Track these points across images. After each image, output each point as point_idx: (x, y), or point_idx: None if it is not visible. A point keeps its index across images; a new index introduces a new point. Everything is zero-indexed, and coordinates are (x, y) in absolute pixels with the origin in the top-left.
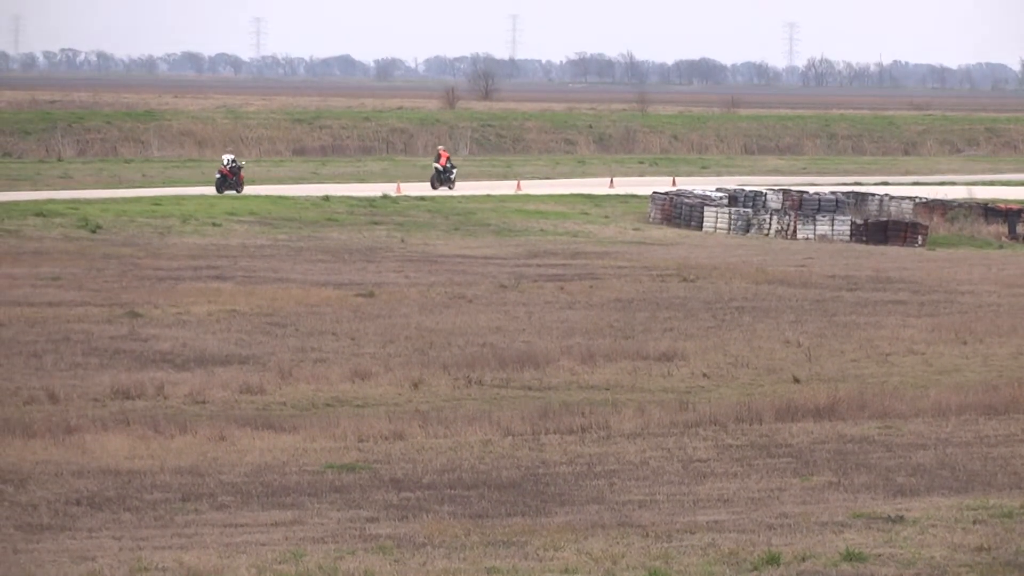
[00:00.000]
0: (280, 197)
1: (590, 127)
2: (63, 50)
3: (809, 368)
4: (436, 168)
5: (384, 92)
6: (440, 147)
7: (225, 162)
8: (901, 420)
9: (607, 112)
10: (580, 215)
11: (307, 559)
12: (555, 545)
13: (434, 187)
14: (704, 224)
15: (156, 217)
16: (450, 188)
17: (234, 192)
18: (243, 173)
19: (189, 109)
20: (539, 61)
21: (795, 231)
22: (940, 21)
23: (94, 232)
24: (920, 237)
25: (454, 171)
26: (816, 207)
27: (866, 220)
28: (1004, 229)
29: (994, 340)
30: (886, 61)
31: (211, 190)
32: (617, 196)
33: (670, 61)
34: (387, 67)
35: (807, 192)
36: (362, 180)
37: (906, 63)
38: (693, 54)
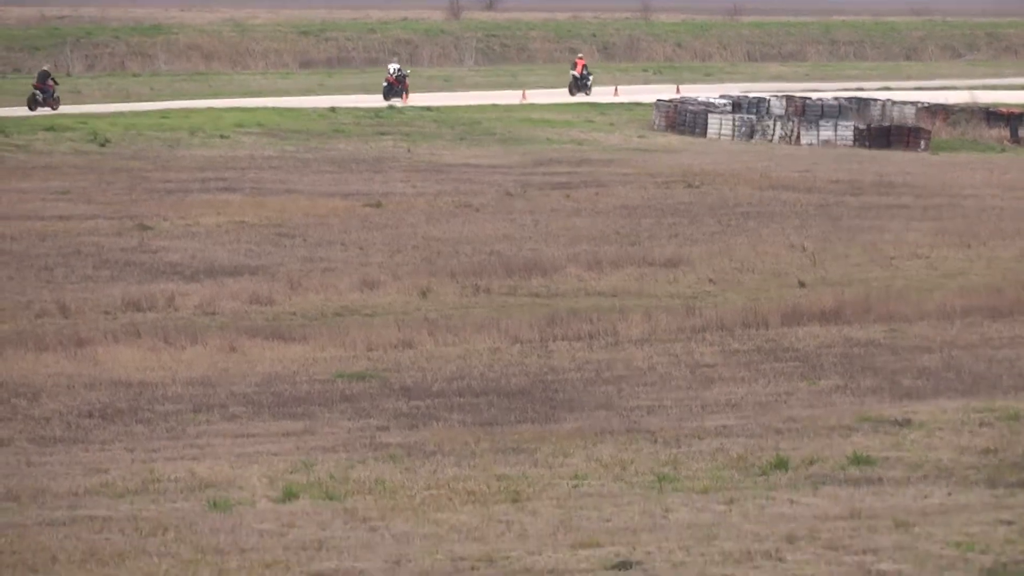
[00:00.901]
0: (287, 109)
1: (594, 36)
2: None
3: (814, 272)
4: (573, 75)
5: (389, 3)
6: (579, 55)
7: (391, 71)
8: (906, 323)
9: (611, 20)
10: (585, 123)
11: (318, 468)
12: (564, 452)
13: (572, 94)
14: (708, 131)
15: (164, 130)
16: (587, 94)
17: (398, 100)
18: (408, 81)
19: (196, 23)
20: None
21: (799, 137)
22: None
23: (103, 146)
24: (923, 141)
25: (591, 77)
26: (819, 113)
27: (869, 125)
28: (1006, 133)
29: (998, 243)
30: None
31: (219, 102)
32: (621, 104)
33: None
34: None
35: (810, 98)
36: (368, 91)
37: None
38: None
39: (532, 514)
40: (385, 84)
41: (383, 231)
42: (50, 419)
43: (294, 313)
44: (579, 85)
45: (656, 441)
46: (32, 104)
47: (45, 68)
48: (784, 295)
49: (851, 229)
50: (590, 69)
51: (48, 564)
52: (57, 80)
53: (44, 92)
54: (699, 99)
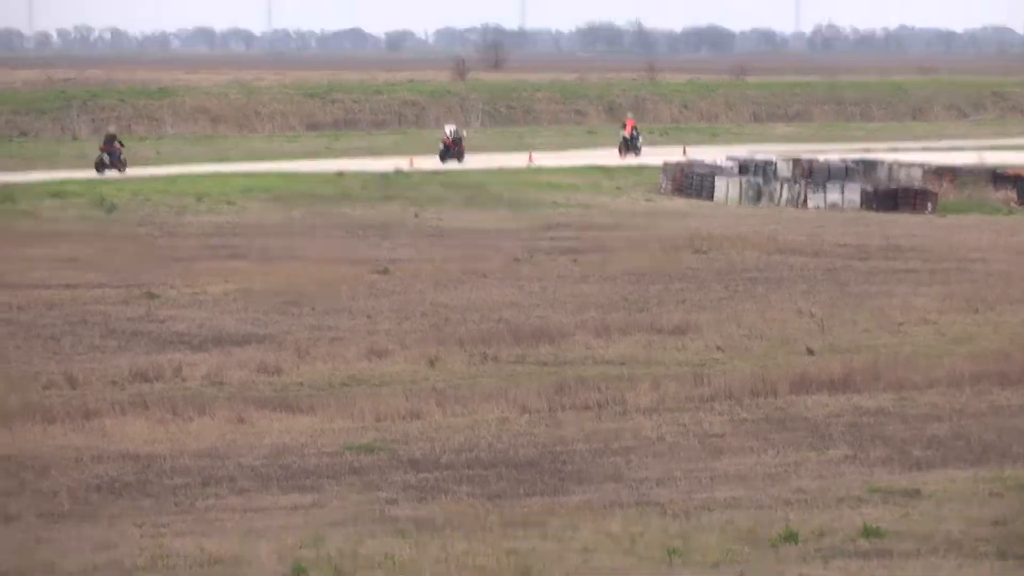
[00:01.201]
0: (294, 173)
1: (600, 97)
2: (76, 28)
3: (822, 339)
4: (624, 136)
5: (395, 64)
6: (628, 114)
7: (447, 132)
8: (916, 391)
9: (617, 81)
10: (592, 187)
11: (327, 543)
12: (573, 525)
13: (621, 155)
14: (715, 194)
15: (171, 196)
16: (636, 155)
17: (456, 162)
18: (464, 144)
19: (202, 85)
20: (549, 30)
21: (806, 200)
22: None
23: (110, 212)
24: (930, 204)
25: (640, 138)
26: (826, 175)
27: (876, 187)
28: (1013, 195)
29: (1006, 308)
30: (892, 25)
31: (226, 166)
32: (628, 167)
33: (678, 28)
34: (397, 39)
35: (817, 160)
36: (375, 154)
37: (912, 27)
38: (701, 21)
39: None
40: (442, 146)
41: (391, 298)
42: (58, 493)
43: (302, 383)
44: (629, 146)
45: (666, 514)
46: (100, 167)
47: (111, 130)
48: (792, 362)
49: (859, 294)
50: (639, 130)
51: None
52: (123, 143)
53: (111, 154)
54: (706, 162)
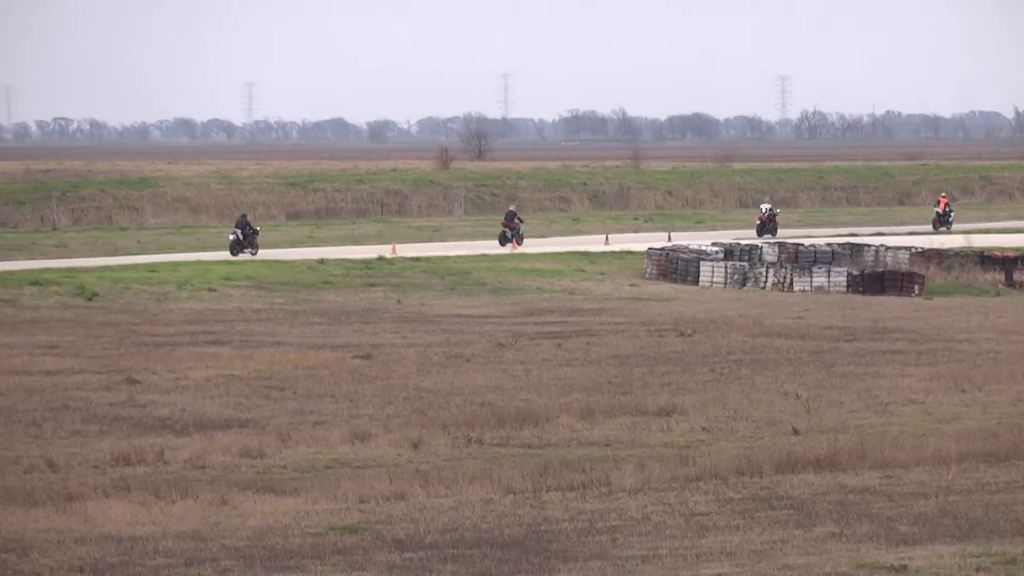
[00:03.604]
0: (276, 261)
1: (584, 184)
2: (56, 119)
3: (808, 420)
4: (937, 212)
5: (377, 154)
6: (942, 194)
7: (763, 210)
8: (902, 469)
9: (601, 169)
10: (576, 272)
11: None
12: None
13: (935, 228)
14: (700, 279)
15: (152, 284)
16: (948, 230)
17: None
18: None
19: (183, 175)
20: (532, 119)
21: (791, 283)
22: (932, 71)
23: (90, 300)
24: (917, 287)
25: (952, 214)
26: (812, 259)
27: (862, 271)
28: (1001, 276)
29: (993, 387)
30: (879, 112)
31: (207, 255)
32: (613, 253)
33: (663, 117)
34: (380, 129)
35: (803, 244)
36: (357, 242)
37: (899, 113)
38: (686, 109)
39: None
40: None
41: (373, 383)
42: (41, 575)
43: (285, 466)
44: (942, 221)
45: None
46: (235, 249)
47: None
48: (778, 443)
49: (845, 375)
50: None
51: None
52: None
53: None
54: (691, 247)
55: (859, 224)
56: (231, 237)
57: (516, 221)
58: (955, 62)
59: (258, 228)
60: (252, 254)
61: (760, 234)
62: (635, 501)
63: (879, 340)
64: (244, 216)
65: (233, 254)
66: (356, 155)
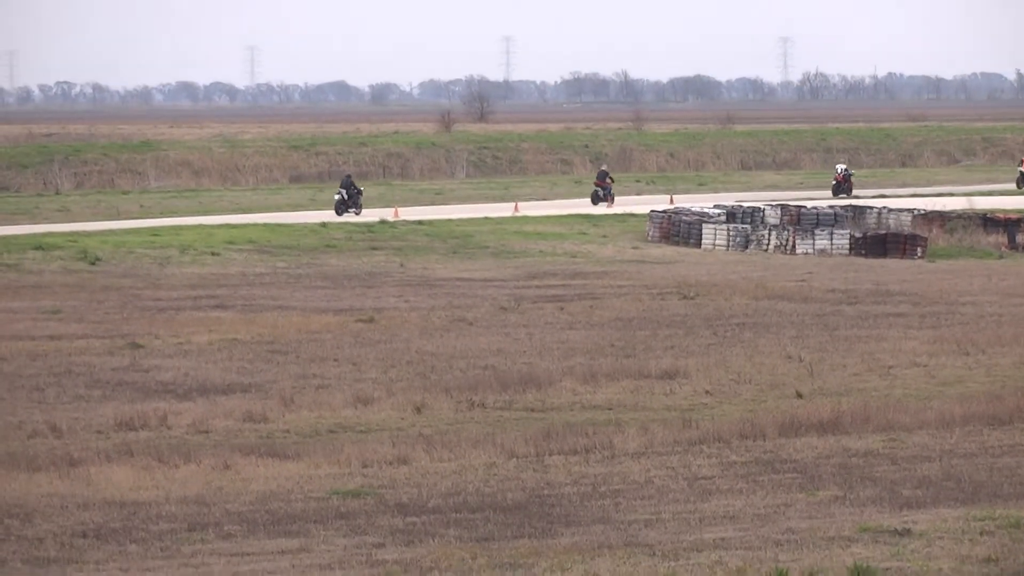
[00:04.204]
0: (278, 224)
1: (586, 147)
2: (58, 83)
3: (812, 383)
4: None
5: (379, 117)
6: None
7: (839, 170)
8: (905, 433)
9: (603, 131)
10: (578, 235)
11: None
12: (562, 566)
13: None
14: (703, 241)
15: (155, 248)
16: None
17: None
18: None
19: (185, 139)
20: (534, 82)
21: (794, 246)
22: (934, 32)
23: (93, 264)
24: (919, 249)
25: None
26: (814, 221)
27: (865, 233)
28: (1004, 239)
29: (996, 350)
30: (881, 73)
31: (209, 218)
32: (615, 215)
33: (665, 79)
34: (382, 92)
35: (805, 207)
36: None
37: (901, 75)
38: (688, 71)
39: None
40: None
41: (376, 347)
42: (44, 540)
43: (288, 431)
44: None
45: (654, 555)
46: (340, 209)
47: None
48: (781, 406)
49: (848, 339)
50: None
51: None
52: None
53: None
54: (693, 209)
55: (861, 186)
56: (336, 197)
57: (608, 180)
58: (957, 23)
59: (362, 188)
60: (356, 214)
61: (835, 194)
62: (638, 465)
63: (882, 303)
64: (349, 176)
65: (338, 214)
66: (358, 118)
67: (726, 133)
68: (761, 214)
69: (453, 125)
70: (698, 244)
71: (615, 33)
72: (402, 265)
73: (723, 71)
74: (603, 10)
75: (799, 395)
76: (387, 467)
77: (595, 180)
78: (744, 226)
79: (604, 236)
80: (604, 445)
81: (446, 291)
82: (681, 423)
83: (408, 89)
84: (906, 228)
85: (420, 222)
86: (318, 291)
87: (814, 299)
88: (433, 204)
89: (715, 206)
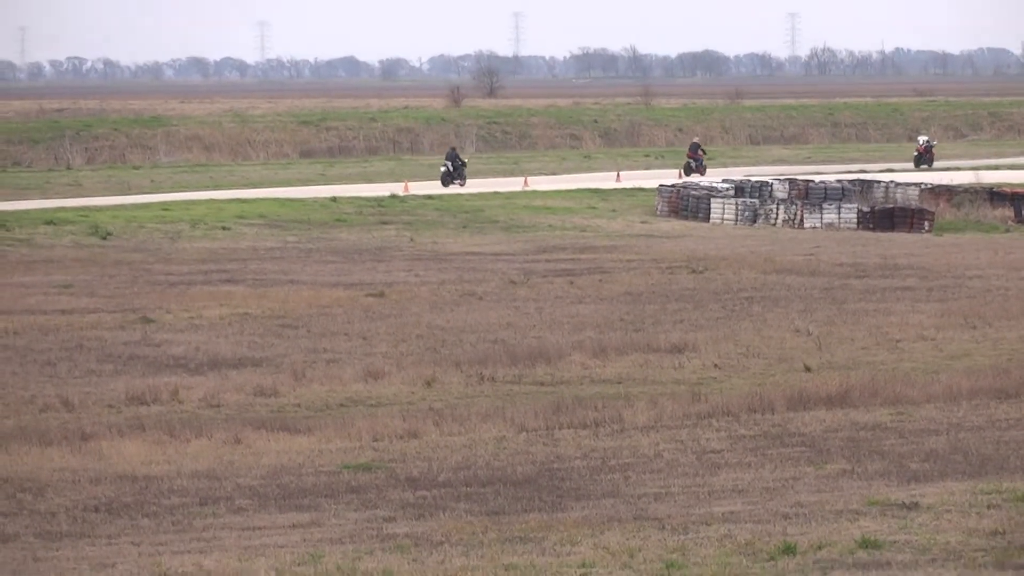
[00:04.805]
0: (288, 199)
1: (595, 122)
2: (69, 58)
3: (820, 356)
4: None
5: (389, 92)
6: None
7: (920, 142)
8: (913, 406)
9: (612, 106)
10: (587, 209)
11: (325, 560)
12: (572, 540)
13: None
14: (711, 215)
15: (166, 222)
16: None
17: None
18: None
19: (196, 114)
20: (543, 57)
21: (802, 220)
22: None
23: (104, 239)
24: (926, 223)
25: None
26: (822, 196)
27: (872, 207)
28: (1010, 213)
29: (1003, 324)
30: (888, 49)
31: (220, 193)
32: (624, 190)
33: (673, 54)
34: (391, 67)
35: (813, 181)
36: (369, 180)
37: (908, 50)
38: (696, 46)
39: None
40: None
41: (386, 321)
42: (56, 514)
43: (299, 405)
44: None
45: (664, 528)
46: (445, 180)
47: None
48: (790, 380)
49: (856, 312)
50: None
51: None
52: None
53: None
54: (702, 184)
55: (869, 160)
56: (442, 169)
57: (700, 152)
58: (964, 0)
59: (466, 160)
60: (460, 185)
61: (917, 165)
62: (647, 439)
63: (889, 277)
64: (454, 149)
65: (444, 185)
66: (368, 93)
67: (734, 108)
68: (769, 188)
69: (463, 100)
70: (707, 218)
71: (624, 8)
72: (412, 239)
73: (731, 46)
74: None
75: (807, 369)
76: (397, 441)
77: (687, 152)
78: (752, 200)
79: (613, 210)
80: (613, 419)
81: (456, 265)
82: (690, 397)
83: (418, 64)
84: (913, 202)
85: (430, 196)
86: (328, 265)
87: (822, 273)
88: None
89: (723, 181)
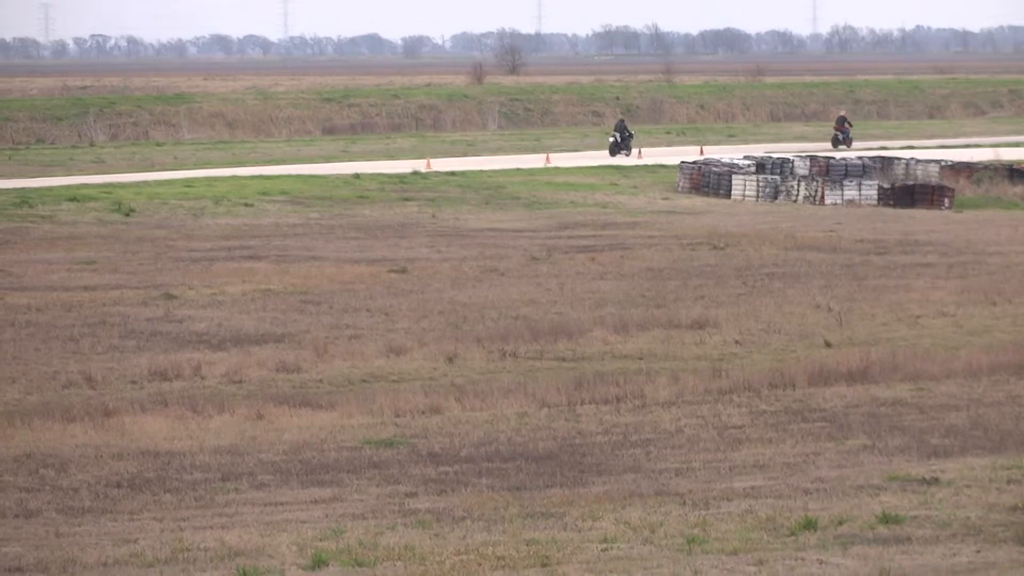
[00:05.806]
0: (311, 176)
1: (617, 99)
2: (93, 36)
3: (840, 332)
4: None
5: (412, 69)
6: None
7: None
8: (933, 382)
9: (634, 84)
10: (609, 186)
11: (347, 535)
12: (593, 515)
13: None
14: (732, 192)
15: (188, 199)
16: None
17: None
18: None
19: (219, 91)
20: (565, 35)
21: (823, 197)
22: None
23: (128, 215)
24: (947, 200)
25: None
26: (843, 172)
27: (893, 184)
28: None
29: (1023, 300)
30: (909, 26)
31: (243, 170)
32: (645, 166)
33: (695, 31)
34: (414, 44)
35: (834, 158)
36: (392, 157)
37: (929, 28)
38: (718, 23)
39: None
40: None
41: (409, 297)
42: (78, 489)
43: (321, 380)
44: None
45: (685, 503)
46: (613, 151)
47: (621, 119)
48: (811, 355)
49: (877, 288)
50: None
51: None
52: (632, 132)
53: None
54: (723, 160)
55: (889, 138)
56: (610, 140)
57: (846, 125)
58: None
59: (633, 132)
60: (627, 155)
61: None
62: (668, 414)
63: (910, 253)
64: (622, 120)
65: (612, 155)
66: (391, 70)
67: (756, 85)
68: (790, 165)
69: (485, 77)
70: (728, 195)
71: None
72: (434, 216)
73: (753, 24)
74: None
75: (828, 344)
76: (419, 417)
77: (834, 124)
78: (773, 177)
79: (635, 187)
80: (635, 394)
81: (478, 242)
82: (711, 372)
83: (440, 42)
84: (934, 179)
85: (452, 173)
86: (351, 242)
87: (843, 249)
88: (465, 155)
89: (745, 157)
